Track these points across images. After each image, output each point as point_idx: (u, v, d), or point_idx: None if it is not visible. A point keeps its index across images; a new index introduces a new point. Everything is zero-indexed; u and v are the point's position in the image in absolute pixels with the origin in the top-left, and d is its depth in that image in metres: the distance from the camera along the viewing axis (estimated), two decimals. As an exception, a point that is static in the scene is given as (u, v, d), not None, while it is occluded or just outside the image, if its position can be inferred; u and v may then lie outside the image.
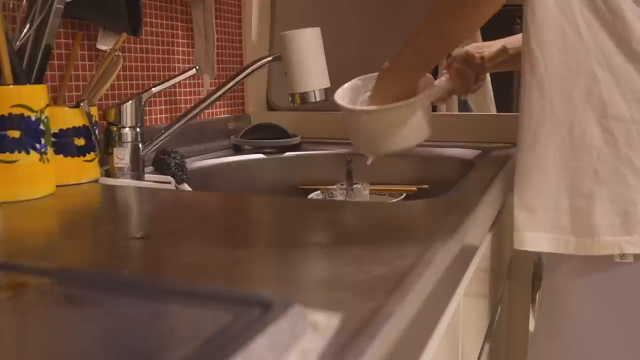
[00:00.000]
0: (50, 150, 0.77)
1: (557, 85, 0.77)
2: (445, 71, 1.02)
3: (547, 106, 0.78)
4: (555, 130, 0.78)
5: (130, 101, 0.92)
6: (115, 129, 0.91)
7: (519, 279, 1.36)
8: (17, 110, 0.72)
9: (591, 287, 0.80)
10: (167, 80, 0.96)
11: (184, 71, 0.96)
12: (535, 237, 0.80)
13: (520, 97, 0.81)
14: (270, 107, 1.54)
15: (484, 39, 1.41)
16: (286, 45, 0.89)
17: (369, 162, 0.88)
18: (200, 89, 1.33)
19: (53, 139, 0.80)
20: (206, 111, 1.17)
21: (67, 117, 0.83)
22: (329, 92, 0.91)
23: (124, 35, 0.93)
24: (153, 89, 0.94)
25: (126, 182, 0.90)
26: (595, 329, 0.80)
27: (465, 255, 0.61)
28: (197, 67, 0.96)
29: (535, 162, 0.80)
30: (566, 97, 0.76)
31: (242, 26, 1.49)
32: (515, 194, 0.83)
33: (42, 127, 0.75)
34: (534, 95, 0.79)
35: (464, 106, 1.49)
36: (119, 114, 0.91)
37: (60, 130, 0.82)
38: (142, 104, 0.94)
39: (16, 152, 0.73)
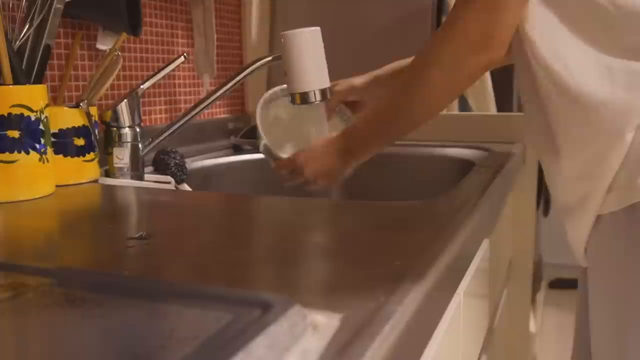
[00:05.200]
0: (50, 150, 0.77)
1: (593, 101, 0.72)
2: None
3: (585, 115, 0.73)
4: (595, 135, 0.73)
5: (124, 100, 0.91)
6: (115, 129, 0.91)
7: (519, 279, 1.36)
8: (16, 110, 0.72)
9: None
10: (156, 74, 0.95)
11: (173, 60, 0.95)
12: None
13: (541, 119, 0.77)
14: (270, 107, 1.54)
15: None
16: (286, 45, 0.89)
17: None
18: (200, 89, 1.33)
19: (53, 139, 0.80)
20: (206, 111, 1.17)
21: (66, 117, 0.83)
22: (328, 92, 0.91)
23: (124, 35, 0.93)
24: (142, 85, 0.93)
25: (126, 182, 0.90)
26: None
27: (466, 255, 0.61)
28: (185, 55, 0.95)
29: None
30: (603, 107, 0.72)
31: (242, 26, 1.49)
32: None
33: (41, 127, 0.75)
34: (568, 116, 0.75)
35: (464, 106, 1.49)
36: (114, 114, 0.91)
37: (60, 130, 0.82)
38: (137, 101, 0.93)
39: (16, 152, 0.73)
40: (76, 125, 0.84)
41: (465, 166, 1.10)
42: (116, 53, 0.87)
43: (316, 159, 0.89)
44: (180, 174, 0.99)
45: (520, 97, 0.86)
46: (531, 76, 0.76)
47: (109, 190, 0.84)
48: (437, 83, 0.75)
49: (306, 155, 0.90)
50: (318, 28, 0.90)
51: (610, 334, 0.78)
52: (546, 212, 2.11)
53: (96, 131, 0.86)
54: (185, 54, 0.95)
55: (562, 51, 0.72)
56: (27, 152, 0.73)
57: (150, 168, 0.99)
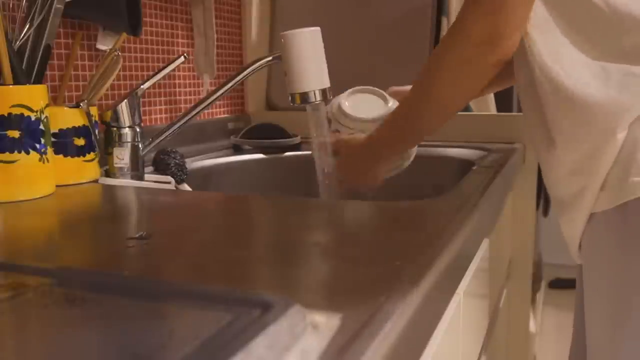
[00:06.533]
0: (50, 150, 0.77)
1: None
2: None
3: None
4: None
5: (124, 100, 0.91)
6: (115, 129, 0.91)
7: (519, 279, 1.36)
8: (17, 110, 0.72)
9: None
10: (156, 74, 0.95)
11: (173, 60, 0.95)
12: None
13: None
14: (270, 107, 1.54)
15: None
16: (286, 45, 0.89)
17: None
18: (200, 89, 1.33)
19: (53, 139, 0.80)
20: (206, 111, 1.17)
21: (66, 117, 0.83)
22: (328, 92, 0.91)
23: (124, 35, 0.93)
24: (142, 85, 0.93)
25: (126, 182, 0.90)
26: None
27: (466, 255, 0.61)
28: (185, 55, 0.95)
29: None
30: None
31: (242, 26, 1.49)
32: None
33: (41, 127, 0.75)
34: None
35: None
36: (115, 114, 0.91)
37: (60, 130, 0.82)
38: (137, 101, 0.93)
39: (16, 152, 0.73)
40: (76, 125, 0.84)
41: (465, 166, 1.10)
42: (116, 53, 0.87)
43: (350, 165, 0.94)
44: (180, 174, 0.99)
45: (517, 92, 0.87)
46: (528, 72, 0.76)
47: (109, 190, 0.84)
48: (448, 85, 0.77)
49: (340, 163, 0.95)
50: (318, 28, 0.90)
51: (605, 330, 0.78)
52: (546, 212, 2.11)
53: (96, 131, 0.86)
54: (185, 54, 0.95)
55: (559, 50, 0.73)
56: (27, 152, 0.73)
57: (150, 168, 0.99)
